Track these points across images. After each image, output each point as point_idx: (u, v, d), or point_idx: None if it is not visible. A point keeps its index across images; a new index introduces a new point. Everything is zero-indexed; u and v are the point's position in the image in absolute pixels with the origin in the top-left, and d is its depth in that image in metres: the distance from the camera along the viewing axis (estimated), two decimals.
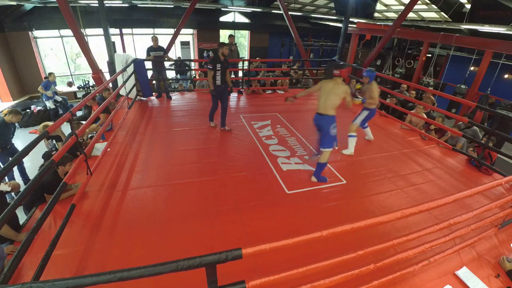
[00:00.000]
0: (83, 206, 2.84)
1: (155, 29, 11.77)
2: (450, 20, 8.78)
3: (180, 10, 10.88)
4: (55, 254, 2.08)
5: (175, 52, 12.19)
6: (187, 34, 13.04)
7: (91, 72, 6.81)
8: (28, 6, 8.75)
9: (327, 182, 3.52)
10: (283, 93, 7.53)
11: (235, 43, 7.59)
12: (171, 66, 9.04)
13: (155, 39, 6.18)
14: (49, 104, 8.00)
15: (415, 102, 5.67)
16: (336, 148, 4.17)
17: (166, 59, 6.54)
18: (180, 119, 5.35)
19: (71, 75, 10.98)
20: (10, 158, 2.07)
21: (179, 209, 2.91)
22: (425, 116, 5.23)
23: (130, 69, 5.65)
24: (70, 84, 10.75)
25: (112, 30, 10.04)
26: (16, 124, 7.39)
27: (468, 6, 8.06)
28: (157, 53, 6.24)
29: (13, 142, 4.65)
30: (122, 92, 5.52)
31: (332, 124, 3.32)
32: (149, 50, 6.21)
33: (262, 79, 8.29)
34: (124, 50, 11.51)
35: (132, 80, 5.79)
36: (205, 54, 13.27)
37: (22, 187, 3.37)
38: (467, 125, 4.71)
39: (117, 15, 10.60)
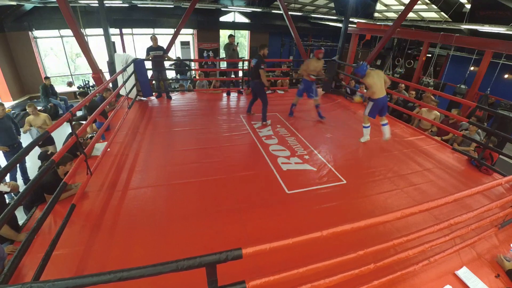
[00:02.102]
0: (83, 206, 2.84)
1: (155, 29, 11.77)
2: (450, 20, 8.78)
3: (180, 10, 10.87)
4: (55, 254, 2.08)
5: (175, 52, 12.18)
6: (187, 34, 13.03)
7: (91, 72, 6.80)
8: (28, 6, 8.75)
9: (327, 182, 3.52)
10: (283, 93, 7.54)
11: (237, 43, 7.59)
12: (171, 66, 9.03)
13: (154, 39, 6.17)
14: None
15: (416, 102, 5.68)
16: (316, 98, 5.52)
17: (166, 59, 6.54)
18: (180, 119, 5.35)
19: (71, 75, 10.98)
20: None
21: (179, 209, 2.91)
22: (437, 116, 5.25)
23: (130, 69, 5.65)
24: (70, 84, 10.74)
25: (112, 30, 10.04)
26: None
27: (468, 6, 8.06)
28: (157, 53, 6.24)
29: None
30: (122, 92, 5.52)
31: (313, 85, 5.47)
32: (149, 50, 6.21)
33: None
34: (124, 50, 11.51)
35: (132, 80, 5.79)
36: (205, 54, 13.27)
37: (22, 186, 3.38)
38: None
39: (117, 15, 10.59)
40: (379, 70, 4.39)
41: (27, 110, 4.69)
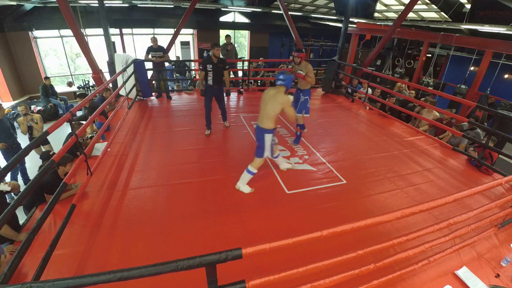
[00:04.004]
0: (83, 206, 2.84)
1: (155, 29, 11.76)
2: (450, 20, 8.77)
3: (180, 10, 10.88)
4: (55, 254, 2.09)
5: (175, 52, 12.18)
6: (187, 34, 13.03)
7: (91, 72, 6.80)
8: (28, 6, 8.74)
9: (327, 182, 3.52)
10: None
11: (231, 44, 7.60)
12: (172, 65, 9.03)
13: (154, 40, 6.18)
14: None
15: (416, 102, 5.68)
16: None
17: (165, 59, 6.53)
18: (180, 119, 5.35)
19: (71, 75, 10.98)
20: None
21: (179, 209, 2.91)
22: (436, 116, 5.24)
23: (130, 69, 5.65)
24: (70, 84, 10.75)
25: (112, 30, 10.04)
26: (16, 124, 7.40)
27: (468, 6, 8.06)
28: (157, 54, 6.25)
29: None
30: (122, 92, 5.52)
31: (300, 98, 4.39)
32: (149, 50, 6.22)
33: (262, 79, 8.30)
34: (124, 50, 11.50)
35: (132, 80, 5.79)
36: (205, 54, 13.26)
37: (22, 187, 3.38)
38: (471, 126, 4.69)
39: (117, 15, 10.59)
40: (280, 96, 2.93)
41: (18, 110, 4.66)
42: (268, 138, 3.08)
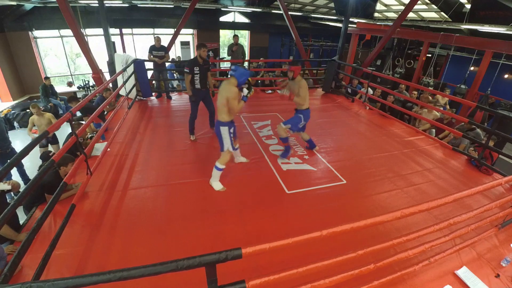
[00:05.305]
0: (83, 206, 2.84)
1: (155, 29, 11.77)
2: (450, 20, 8.78)
3: (180, 10, 10.87)
4: (55, 254, 2.09)
5: (175, 52, 12.18)
6: (187, 34, 13.03)
7: (91, 72, 6.79)
8: (28, 6, 8.74)
9: (327, 182, 3.52)
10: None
11: (238, 44, 7.59)
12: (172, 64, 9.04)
13: (157, 39, 6.23)
14: None
15: (415, 103, 5.68)
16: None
17: (166, 59, 6.54)
18: (180, 119, 5.34)
19: (71, 75, 10.98)
20: None
21: (179, 209, 2.91)
22: (436, 116, 5.23)
23: (130, 69, 5.65)
24: (70, 84, 10.75)
25: (112, 30, 10.03)
26: (16, 124, 7.38)
27: (468, 6, 8.06)
28: (159, 53, 6.27)
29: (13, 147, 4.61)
30: (122, 92, 5.52)
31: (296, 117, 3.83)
32: (151, 49, 6.25)
33: (262, 79, 8.29)
34: (124, 50, 11.50)
35: (132, 80, 5.79)
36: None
37: (22, 187, 3.38)
38: (470, 127, 4.69)
39: (117, 15, 10.59)
40: (228, 87, 2.93)
41: (32, 111, 4.64)
42: (224, 130, 3.08)
